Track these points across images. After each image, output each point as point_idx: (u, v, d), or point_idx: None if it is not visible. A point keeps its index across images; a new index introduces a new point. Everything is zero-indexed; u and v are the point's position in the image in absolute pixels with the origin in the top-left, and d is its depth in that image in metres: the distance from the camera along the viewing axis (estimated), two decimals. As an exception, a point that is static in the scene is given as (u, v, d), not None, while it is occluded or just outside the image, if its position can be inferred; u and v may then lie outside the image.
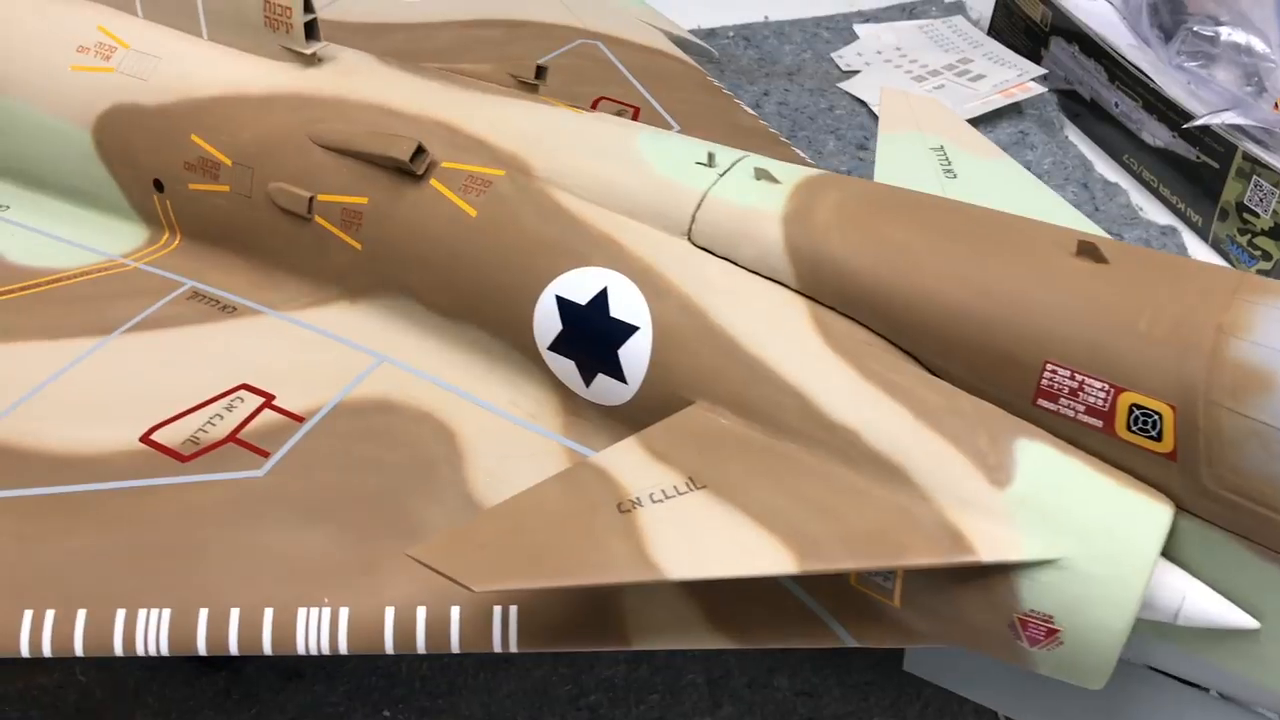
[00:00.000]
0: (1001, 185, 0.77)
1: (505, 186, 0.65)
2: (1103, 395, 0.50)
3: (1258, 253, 1.14)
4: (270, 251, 0.73)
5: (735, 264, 0.59)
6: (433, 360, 0.67)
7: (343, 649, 0.56)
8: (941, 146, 0.80)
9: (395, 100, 0.70)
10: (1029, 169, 1.24)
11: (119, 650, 0.56)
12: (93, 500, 0.61)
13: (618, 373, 0.60)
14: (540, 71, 0.76)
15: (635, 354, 0.59)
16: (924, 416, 0.52)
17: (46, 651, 0.56)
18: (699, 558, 0.50)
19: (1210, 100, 1.20)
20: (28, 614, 0.56)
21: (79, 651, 0.56)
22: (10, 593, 0.57)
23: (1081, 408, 0.51)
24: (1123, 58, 1.24)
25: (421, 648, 0.56)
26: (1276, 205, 1.11)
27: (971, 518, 0.50)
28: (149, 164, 0.76)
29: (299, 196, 0.69)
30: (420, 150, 0.65)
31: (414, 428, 0.63)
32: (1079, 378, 0.50)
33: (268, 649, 0.56)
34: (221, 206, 0.74)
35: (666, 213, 0.61)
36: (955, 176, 0.76)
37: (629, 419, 0.61)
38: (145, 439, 0.64)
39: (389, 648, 0.56)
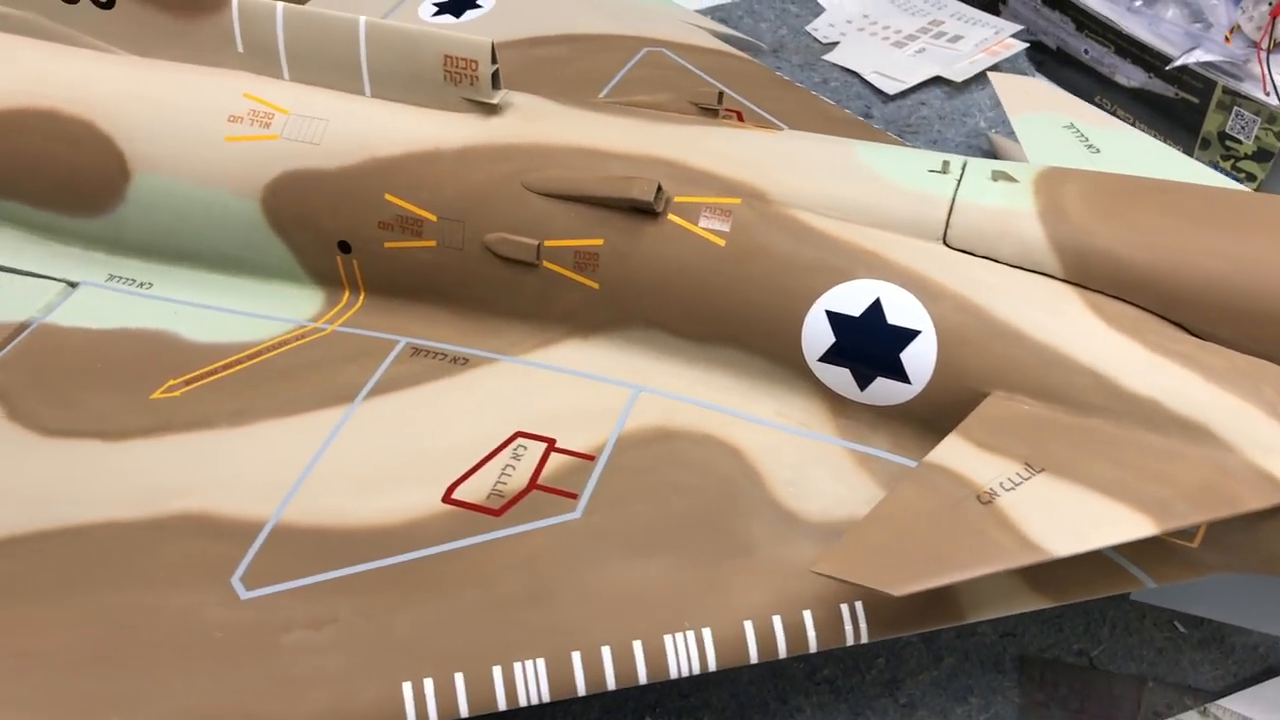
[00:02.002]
0: (1139, 153, 0.85)
1: (746, 214, 0.69)
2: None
3: (1242, 175, 1.27)
4: (484, 300, 0.75)
5: (997, 262, 0.65)
6: (688, 384, 0.71)
7: (711, 667, 0.61)
8: (1071, 124, 0.88)
9: (602, 142, 0.73)
10: (1025, 118, 1.34)
11: (502, 705, 0.59)
12: (421, 566, 0.63)
13: (900, 375, 0.65)
14: (720, 97, 0.80)
15: (919, 356, 0.65)
16: (1212, 378, 0.60)
17: (432, 718, 0.59)
18: (1072, 533, 0.56)
19: (1174, 39, 1.32)
20: (406, 686, 0.58)
21: (464, 713, 0.59)
22: (381, 669, 0.59)
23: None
24: (1089, 8, 1.34)
25: (783, 653, 0.61)
26: (1258, 131, 1.24)
27: (1276, 460, 0.58)
28: (333, 227, 0.77)
29: (526, 245, 0.72)
30: (659, 189, 0.69)
31: (700, 451, 0.68)
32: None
33: (643, 679, 0.60)
34: (427, 261, 0.75)
35: (918, 221, 0.67)
36: (1098, 151, 0.84)
37: (907, 415, 0.66)
38: (448, 500, 0.66)
39: (753, 658, 0.61)
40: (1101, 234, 0.64)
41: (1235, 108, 1.24)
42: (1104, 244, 0.64)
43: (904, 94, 1.36)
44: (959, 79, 1.35)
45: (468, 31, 0.76)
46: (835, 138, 0.75)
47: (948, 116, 1.34)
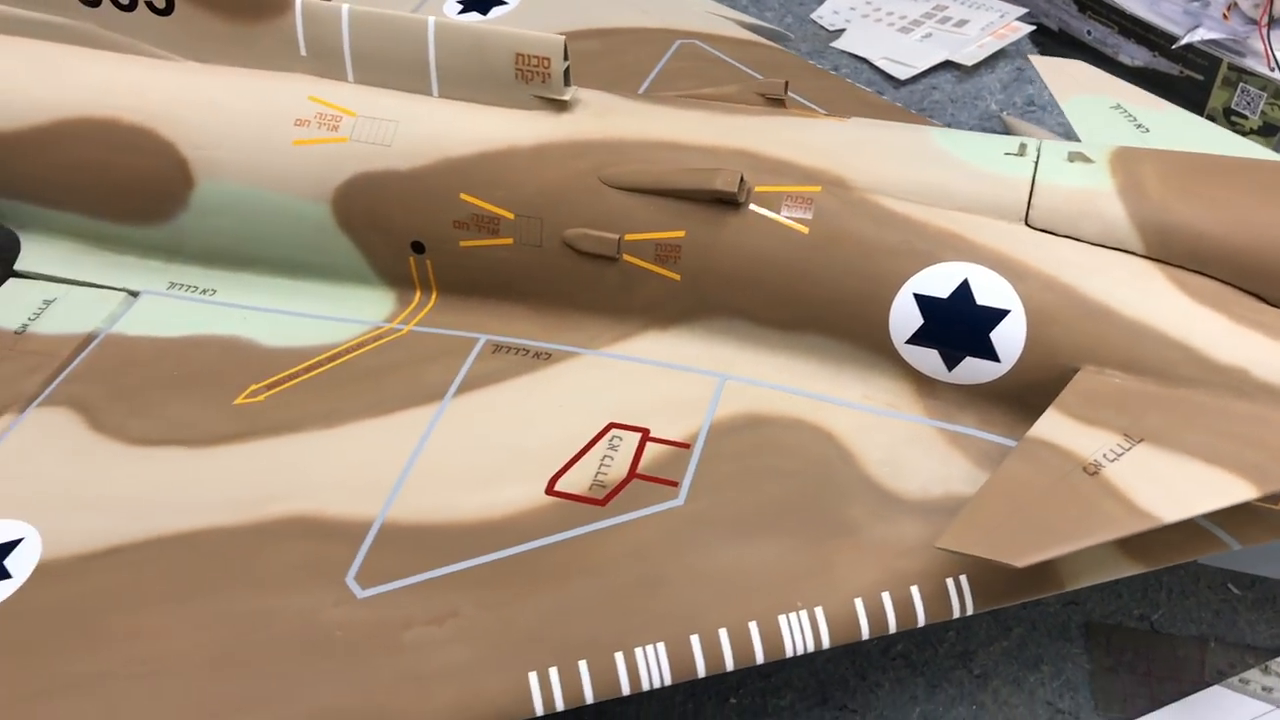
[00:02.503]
0: (1188, 131, 0.88)
1: (828, 201, 0.70)
2: None
3: (1248, 149, 1.30)
4: (562, 295, 0.76)
5: (1079, 241, 0.67)
6: (774, 371, 0.72)
7: (825, 644, 0.62)
8: (1119, 105, 0.90)
9: (677, 134, 0.74)
10: (1032, 101, 1.37)
11: (626, 690, 0.60)
12: (533, 558, 0.64)
13: (990, 354, 0.67)
14: (786, 87, 0.81)
15: (1009, 335, 0.67)
16: None
17: (559, 706, 0.60)
18: (1177, 500, 0.58)
19: (1174, 18, 1.35)
20: (532, 676, 0.60)
21: (589, 699, 0.60)
22: (505, 660, 0.60)
23: None
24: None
25: (893, 628, 0.63)
26: (1264, 106, 1.27)
27: (1359, 422, 0.61)
28: (407, 227, 0.77)
29: (607, 239, 0.73)
30: (742, 179, 0.70)
31: (793, 435, 0.69)
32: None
33: (760, 659, 0.62)
34: (504, 259, 0.76)
35: (999, 203, 0.68)
36: (1148, 130, 0.86)
37: (994, 393, 0.68)
38: (551, 492, 0.67)
39: (865, 634, 0.63)
40: (1180, 210, 0.66)
41: (1240, 84, 1.27)
42: (1183, 220, 0.66)
43: (914, 79, 1.38)
44: (969, 63, 1.37)
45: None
46: (907, 125, 0.76)
47: (960, 100, 1.36)
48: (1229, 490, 0.58)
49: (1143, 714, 0.80)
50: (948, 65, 1.38)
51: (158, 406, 0.75)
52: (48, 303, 0.84)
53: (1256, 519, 0.65)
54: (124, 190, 0.82)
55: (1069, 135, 1.02)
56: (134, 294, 0.84)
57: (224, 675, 0.60)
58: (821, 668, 0.83)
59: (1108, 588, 0.89)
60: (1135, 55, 1.36)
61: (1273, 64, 1.26)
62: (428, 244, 0.77)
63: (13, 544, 0.67)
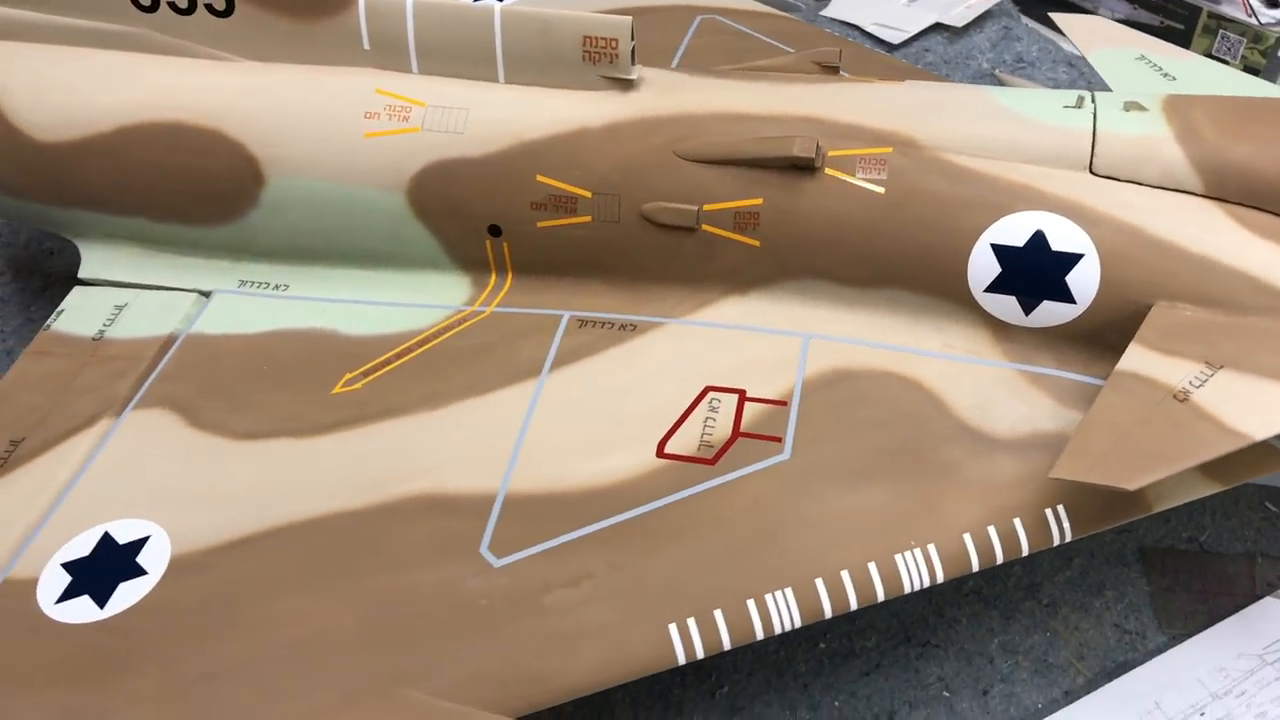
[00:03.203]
0: (1213, 77, 0.92)
1: (901, 162, 0.74)
2: None
3: (1229, 93, 1.35)
4: (641, 268, 0.79)
5: (1142, 185, 0.71)
6: (855, 328, 0.76)
7: (939, 579, 0.66)
8: (1143, 56, 0.94)
9: (745, 106, 0.77)
10: (1021, 58, 1.42)
11: (760, 635, 0.64)
12: (655, 518, 0.68)
13: (1066, 297, 0.71)
14: (840, 55, 0.85)
15: (1084, 277, 0.71)
16: None
17: (699, 654, 0.63)
18: (1264, 418, 0.63)
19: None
20: (672, 628, 0.63)
21: (727, 645, 0.63)
22: (644, 616, 0.63)
23: None
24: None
25: (1000, 559, 0.67)
26: (1244, 51, 1.33)
27: None
28: (484, 212, 0.80)
29: (686, 211, 0.76)
30: (817, 145, 0.73)
31: (883, 387, 0.73)
32: None
33: (881, 597, 0.65)
34: (582, 237, 0.78)
35: (1064, 154, 0.72)
36: (1175, 79, 0.90)
37: (1070, 334, 0.72)
38: (662, 455, 0.70)
39: (975, 567, 0.67)
40: (1235, 150, 0.70)
41: (1220, 31, 1.32)
42: (1238, 159, 0.70)
43: (906, 43, 1.42)
44: (958, 24, 1.42)
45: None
46: (963, 85, 0.80)
47: (952, 61, 1.41)
48: (1309, 407, 0.63)
49: (1203, 629, 0.85)
50: (938, 28, 1.42)
51: (256, 401, 0.77)
52: (119, 308, 0.85)
53: (1319, 435, 0.70)
54: (192, 192, 0.83)
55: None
56: (205, 294, 0.86)
57: (374, 651, 0.63)
58: (901, 608, 0.87)
59: (1156, 514, 0.94)
60: (1115, 9, 1.42)
61: (1249, 9, 1.31)
62: (504, 227, 0.80)
63: (141, 542, 0.69)
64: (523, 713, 0.61)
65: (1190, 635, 0.85)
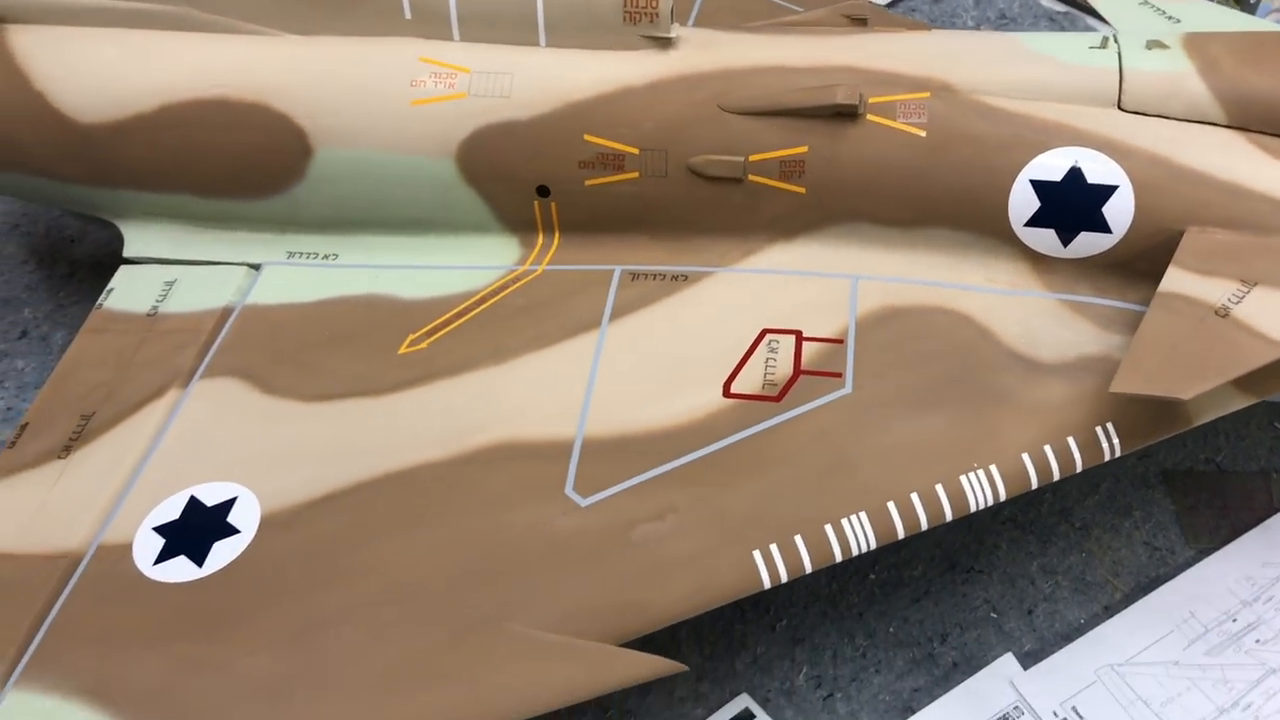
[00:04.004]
0: (1215, 18, 0.96)
1: (939, 105, 0.77)
2: None
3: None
4: (688, 220, 0.82)
5: (1168, 118, 0.75)
6: (901, 267, 0.79)
7: (1002, 497, 0.70)
8: (1145, 0, 0.98)
9: (784, 59, 0.80)
10: (1004, 14, 1.46)
11: (838, 557, 0.67)
12: (729, 453, 0.71)
13: (1103, 227, 0.75)
14: (868, 7, 0.88)
15: (1119, 207, 0.75)
16: None
17: (783, 577, 0.67)
18: (1302, 328, 0.67)
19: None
20: (755, 554, 0.66)
21: (809, 569, 0.67)
22: (729, 544, 0.67)
23: None
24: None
25: (1056, 476, 0.71)
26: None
27: None
28: (532, 173, 0.82)
29: (732, 162, 0.79)
30: (860, 93, 0.77)
31: (933, 321, 0.76)
32: None
33: (949, 517, 0.69)
34: (630, 192, 0.81)
35: (1094, 93, 0.76)
36: (1179, 20, 0.95)
37: (1106, 263, 0.76)
38: (728, 394, 0.73)
39: (1034, 484, 0.70)
40: (1255, 82, 0.74)
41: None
42: (1258, 91, 0.74)
43: (894, 2, 1.45)
44: (943, -18, 1.45)
45: None
46: (991, 32, 0.83)
47: (938, 19, 1.44)
48: (1341, 315, 0.67)
49: (1227, 543, 0.90)
50: (923, -13, 1.46)
51: (323, 366, 0.79)
52: (169, 284, 0.86)
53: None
54: (239, 166, 0.85)
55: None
56: (255, 267, 0.87)
57: (474, 590, 0.65)
58: (943, 538, 0.91)
59: (1174, 440, 0.98)
60: (1093, -37, 1.45)
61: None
62: (553, 186, 0.82)
63: (229, 503, 0.71)
64: (620, 641, 0.64)
65: (1216, 549, 0.90)
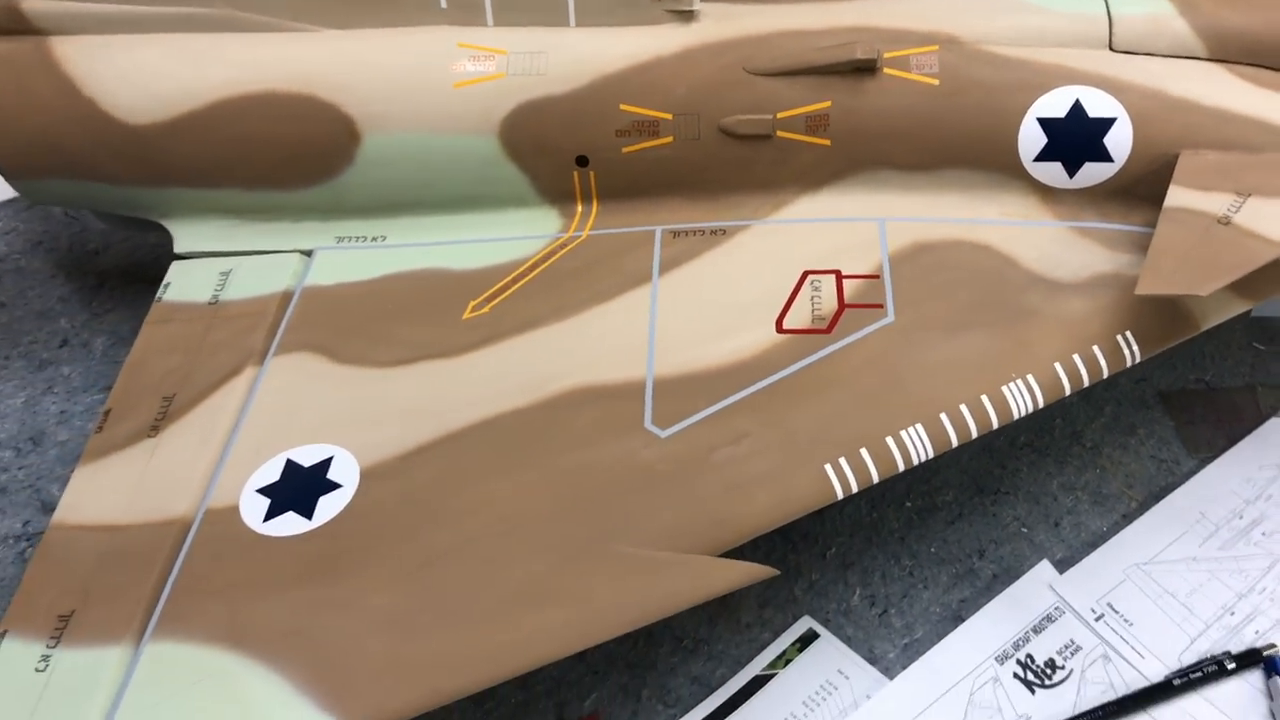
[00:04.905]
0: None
1: (948, 56, 0.84)
2: None
3: None
4: (720, 179, 0.88)
5: (1155, 55, 0.83)
6: (922, 207, 0.86)
7: (1040, 403, 0.77)
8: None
9: (801, 24, 0.87)
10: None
11: (900, 466, 0.74)
12: (790, 382, 0.77)
13: (1105, 156, 0.82)
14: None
15: (1119, 137, 0.82)
16: None
17: (854, 488, 0.73)
18: (1297, 229, 0.75)
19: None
20: (827, 468, 0.72)
21: (875, 479, 0.73)
22: (801, 461, 0.73)
23: None
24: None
25: (1086, 382, 0.78)
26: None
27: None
28: (572, 144, 0.88)
29: (762, 120, 0.85)
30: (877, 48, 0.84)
31: (958, 253, 0.83)
32: None
33: (995, 424, 0.76)
34: (665, 156, 0.87)
35: (1086, 36, 0.84)
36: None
37: (1109, 190, 0.84)
38: (781, 330, 0.79)
39: (1067, 391, 0.77)
40: (1231, 18, 0.82)
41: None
42: (1235, 25, 0.82)
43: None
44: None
45: None
46: None
47: None
48: (1329, 218, 0.75)
49: (1225, 450, 0.98)
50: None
51: (392, 335, 0.83)
52: (225, 274, 0.91)
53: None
54: (288, 157, 0.89)
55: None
56: (307, 253, 0.91)
57: (574, 519, 0.70)
58: (968, 465, 0.97)
59: (1164, 363, 1.06)
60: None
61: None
62: (591, 156, 0.88)
63: (325, 462, 0.75)
64: (713, 553, 0.69)
65: (1215, 457, 0.97)
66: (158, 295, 0.90)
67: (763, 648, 0.85)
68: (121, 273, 1.14)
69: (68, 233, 1.18)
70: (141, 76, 0.89)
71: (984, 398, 0.75)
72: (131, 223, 0.99)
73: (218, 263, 0.91)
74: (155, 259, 1.11)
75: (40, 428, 0.99)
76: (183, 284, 0.90)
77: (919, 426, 0.73)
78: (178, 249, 0.93)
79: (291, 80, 0.88)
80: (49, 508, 0.93)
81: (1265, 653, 0.82)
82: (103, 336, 1.07)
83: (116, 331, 1.08)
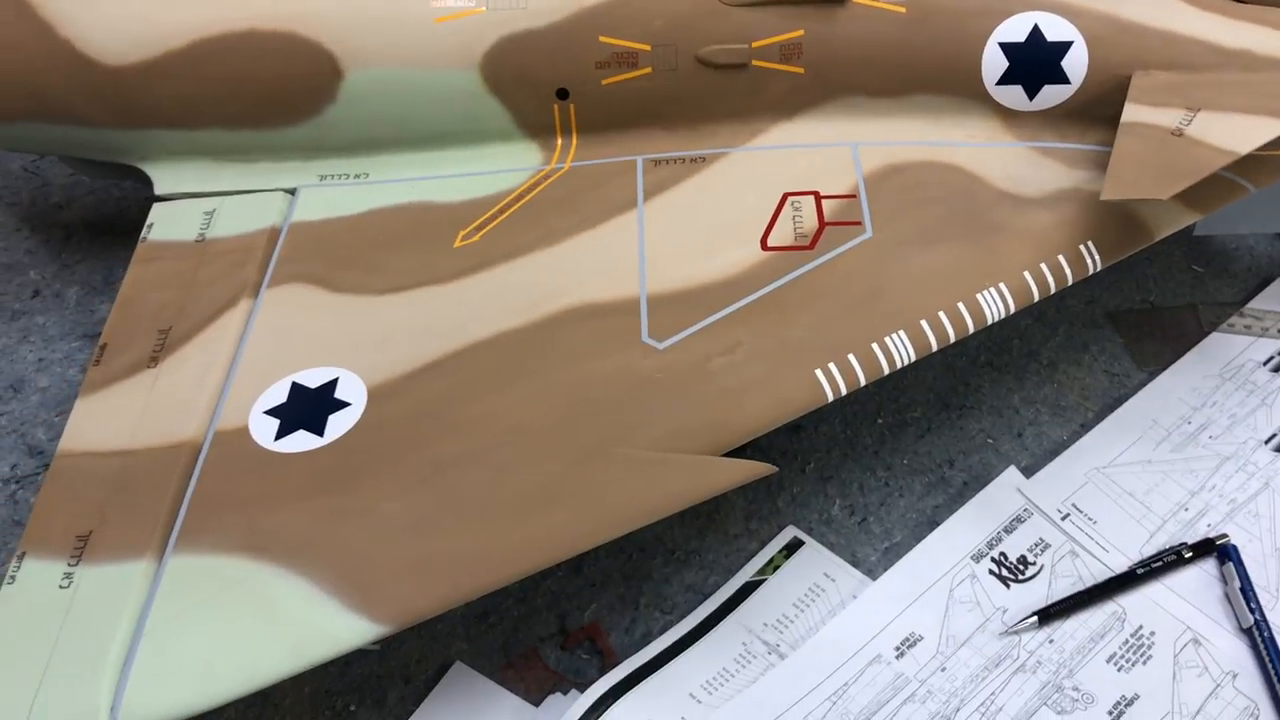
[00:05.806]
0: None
1: (914, -16, 0.89)
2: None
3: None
4: (698, 108, 0.91)
5: (1107, -16, 0.89)
6: (892, 131, 0.90)
7: (1011, 309, 0.81)
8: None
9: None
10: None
11: (885, 369, 0.78)
12: (778, 295, 0.80)
13: (1062, 78, 0.87)
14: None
15: (1075, 60, 0.87)
16: (1278, 27, 0.85)
17: (843, 391, 0.76)
18: (1241, 139, 0.80)
19: None
20: (817, 372, 0.76)
21: (863, 381, 0.77)
22: (793, 366, 0.76)
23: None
24: None
25: (1052, 289, 0.83)
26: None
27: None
28: (552, 77, 0.90)
29: (738, 50, 0.88)
30: (844, -22, 0.87)
31: (929, 173, 0.87)
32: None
33: (971, 329, 0.80)
34: (644, 87, 0.90)
35: None
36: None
37: (1067, 111, 0.89)
38: (766, 248, 0.83)
39: (1035, 298, 0.82)
40: None
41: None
42: None
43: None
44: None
45: None
46: None
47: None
48: (1269, 129, 0.80)
49: (1171, 363, 1.04)
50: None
51: (385, 265, 0.85)
52: (209, 213, 0.92)
53: (1262, 166, 0.88)
54: (271, 95, 0.90)
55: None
56: (290, 191, 0.93)
57: (579, 427, 0.73)
58: (933, 383, 1.02)
59: (1111, 285, 1.12)
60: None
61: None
62: (572, 88, 0.90)
63: (331, 383, 0.77)
64: (714, 454, 0.73)
65: (1163, 369, 1.03)
66: (142, 236, 0.90)
67: (751, 556, 0.88)
68: (88, 225, 1.13)
69: (28, 187, 1.17)
70: (119, 17, 0.89)
71: (960, 305, 0.79)
72: (107, 168, 0.99)
73: (201, 203, 0.92)
74: (120, 211, 1.12)
75: (20, 375, 0.99)
76: (167, 224, 0.91)
77: (901, 333, 0.77)
78: (158, 190, 0.93)
79: (272, 18, 0.89)
80: (35, 451, 0.93)
81: (1218, 542, 0.88)
82: (75, 287, 1.07)
83: (89, 281, 1.08)
